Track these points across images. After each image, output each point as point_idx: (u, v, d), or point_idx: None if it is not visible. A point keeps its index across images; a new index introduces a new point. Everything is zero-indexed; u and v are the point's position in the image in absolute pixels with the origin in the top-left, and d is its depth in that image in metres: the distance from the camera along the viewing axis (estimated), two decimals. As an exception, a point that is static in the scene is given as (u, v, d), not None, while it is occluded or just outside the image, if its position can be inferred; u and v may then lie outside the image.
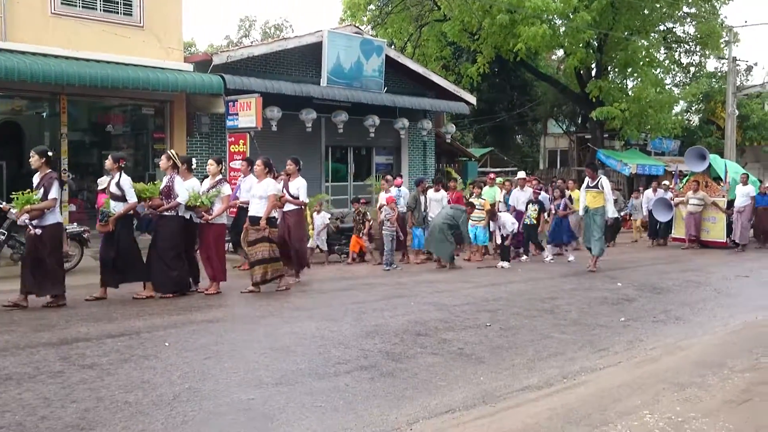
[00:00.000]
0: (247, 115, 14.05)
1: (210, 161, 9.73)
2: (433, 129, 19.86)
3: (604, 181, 12.32)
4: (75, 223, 11.48)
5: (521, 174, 14.91)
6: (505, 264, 12.70)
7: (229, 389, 5.10)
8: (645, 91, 22.49)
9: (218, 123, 15.07)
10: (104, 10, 13.45)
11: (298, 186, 10.18)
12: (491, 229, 13.48)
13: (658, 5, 23.40)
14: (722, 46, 26.39)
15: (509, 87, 31.17)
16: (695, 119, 33.57)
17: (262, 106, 14.07)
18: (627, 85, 25.37)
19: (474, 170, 23.83)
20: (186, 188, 9.02)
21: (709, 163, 17.84)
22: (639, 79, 23.57)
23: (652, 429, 4.45)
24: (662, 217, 17.33)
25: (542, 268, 12.84)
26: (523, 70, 28.66)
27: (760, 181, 19.10)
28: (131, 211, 8.72)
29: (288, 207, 10.11)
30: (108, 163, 8.69)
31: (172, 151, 9.37)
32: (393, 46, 23.49)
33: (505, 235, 12.90)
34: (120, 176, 8.56)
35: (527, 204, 13.85)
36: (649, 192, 18.20)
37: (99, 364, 5.66)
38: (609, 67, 25.11)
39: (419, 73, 19.04)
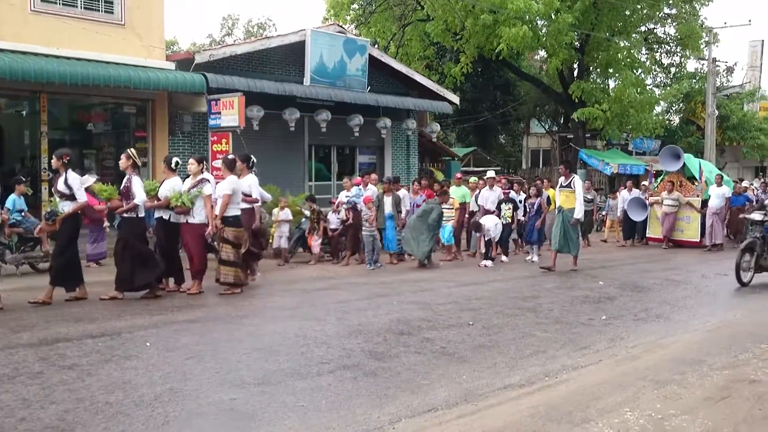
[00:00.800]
0: (229, 114, 14.00)
1: (191, 160, 9.50)
2: (416, 128, 19.90)
3: (577, 180, 12.13)
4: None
5: (490, 173, 14.65)
6: (489, 263, 12.74)
7: (211, 389, 5.08)
8: (626, 92, 22.66)
9: (201, 122, 14.99)
10: (85, 8, 13.34)
11: (249, 183, 9.99)
12: (477, 234, 13.47)
13: (639, 6, 23.63)
14: (702, 47, 26.68)
15: (492, 87, 31.28)
16: (676, 119, 33.90)
17: (245, 105, 14.03)
18: (609, 85, 25.57)
19: (457, 170, 23.87)
20: (167, 188, 8.94)
21: (684, 163, 17.85)
22: (620, 80, 23.75)
23: (632, 426, 4.49)
24: (637, 216, 17.27)
25: (524, 267, 12.90)
26: (506, 70, 28.80)
27: (735, 182, 19.21)
28: (80, 211, 8.44)
29: (241, 205, 9.69)
30: (53, 161, 8.37)
31: (131, 150, 8.95)
32: (376, 46, 23.52)
33: (489, 238, 12.85)
34: (67, 174, 8.23)
35: (499, 203, 13.70)
36: (624, 192, 18.16)
37: (79, 365, 5.61)
38: (591, 68, 25.29)
39: (402, 72, 19.05)
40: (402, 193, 13.43)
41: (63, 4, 13.08)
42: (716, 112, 27.95)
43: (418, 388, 5.25)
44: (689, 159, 18.51)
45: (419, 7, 25.12)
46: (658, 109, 29.11)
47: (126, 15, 13.79)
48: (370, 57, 17.86)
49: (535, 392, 5.22)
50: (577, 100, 23.71)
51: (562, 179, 12.28)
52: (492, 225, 12.82)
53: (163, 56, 14.46)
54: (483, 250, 12.99)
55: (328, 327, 7.24)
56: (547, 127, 34.46)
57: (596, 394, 5.15)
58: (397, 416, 4.64)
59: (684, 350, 6.60)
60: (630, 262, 14.01)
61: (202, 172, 9.46)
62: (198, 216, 9.12)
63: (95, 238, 11.62)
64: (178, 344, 6.38)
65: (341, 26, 19.75)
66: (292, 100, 15.97)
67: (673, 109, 33.73)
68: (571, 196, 11.99)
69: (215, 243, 9.22)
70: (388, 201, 12.81)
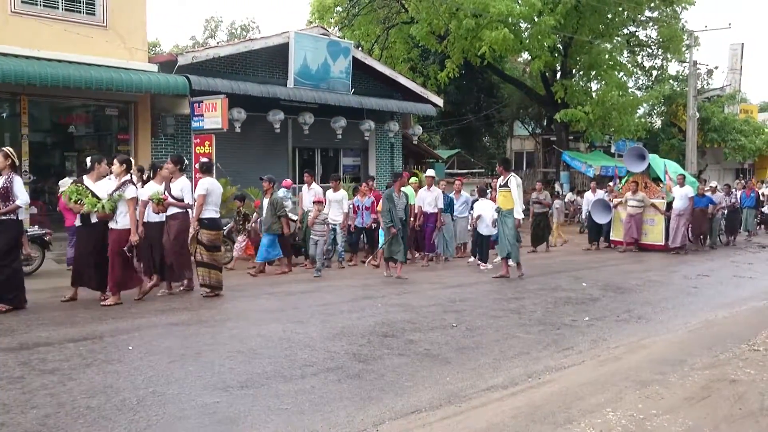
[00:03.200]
0: (212, 116, 13.95)
1: (114, 161, 8.78)
2: (400, 130, 19.92)
3: (513, 179, 11.16)
4: (36, 226, 11.26)
5: (430, 172, 13.79)
6: (485, 265, 12.64)
7: (194, 393, 5.05)
8: (609, 94, 22.81)
9: (184, 124, 14.92)
10: (66, 9, 13.24)
11: (182, 187, 9.23)
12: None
13: (621, 9, 23.81)
14: (683, 50, 26.92)
15: (476, 89, 31.37)
16: (658, 122, 34.19)
17: (228, 107, 13.98)
18: (591, 88, 25.73)
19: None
20: (103, 190, 8.52)
21: (649, 164, 17.17)
22: (603, 82, 23.91)
23: (614, 426, 4.52)
24: (601, 219, 16.75)
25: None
26: (489, 73, 28.89)
27: (703, 181, 18.95)
28: None
29: (172, 210, 9.17)
30: None
31: (8, 148, 8.17)
32: (360, 48, 23.53)
33: (488, 234, 12.77)
34: None
35: (472, 204, 13.45)
36: (588, 193, 17.65)
37: (60, 369, 5.56)
38: (574, 71, 25.45)
39: (386, 74, 19.08)
40: (341, 194, 12.71)
41: (44, 6, 12.97)
42: (697, 114, 28.23)
43: (402, 390, 5.26)
44: (654, 160, 17.85)
45: (403, 10, 25.17)
46: (640, 111, 29.40)
47: (108, 16, 13.70)
48: (354, 59, 17.87)
49: (518, 393, 5.24)
50: (559, 101, 23.83)
51: (500, 178, 11.46)
52: (489, 215, 12.46)
53: (146, 58, 14.37)
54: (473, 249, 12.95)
55: (311, 329, 7.22)
56: (530, 129, 34.61)
57: (579, 394, 5.18)
58: (380, 418, 4.64)
59: (665, 351, 6.65)
60: (613, 263, 14.08)
61: (128, 174, 8.74)
62: (121, 221, 8.50)
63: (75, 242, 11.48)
64: (161, 348, 6.34)
65: (325, 28, 19.74)
66: (275, 102, 15.95)
67: (655, 111, 34.03)
68: (508, 196, 11.16)
69: (130, 253, 8.52)
70: (265, 203, 11.74)
